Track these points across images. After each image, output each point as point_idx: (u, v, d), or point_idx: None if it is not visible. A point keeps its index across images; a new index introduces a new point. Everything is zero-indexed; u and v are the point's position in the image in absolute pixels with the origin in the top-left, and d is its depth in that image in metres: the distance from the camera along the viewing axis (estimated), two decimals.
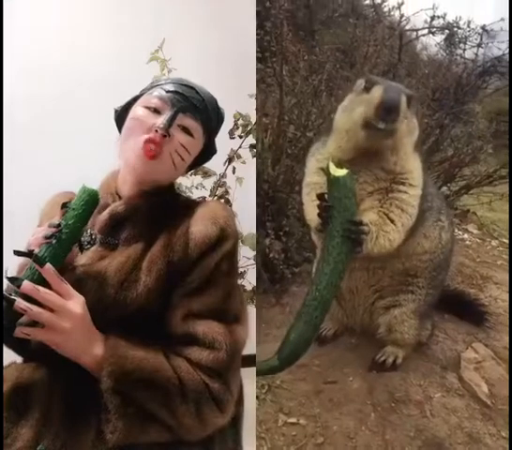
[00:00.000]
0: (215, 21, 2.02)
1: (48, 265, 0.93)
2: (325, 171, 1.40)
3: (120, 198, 1.12)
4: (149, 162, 1.05)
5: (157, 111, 1.08)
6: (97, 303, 0.99)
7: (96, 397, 0.94)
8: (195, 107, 1.09)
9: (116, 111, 1.16)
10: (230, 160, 1.99)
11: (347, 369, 1.73)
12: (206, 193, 2.00)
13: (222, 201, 1.99)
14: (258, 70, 2.10)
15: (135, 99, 1.14)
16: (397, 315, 1.66)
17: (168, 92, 1.09)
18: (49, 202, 1.22)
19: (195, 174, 1.94)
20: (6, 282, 0.96)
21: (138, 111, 1.09)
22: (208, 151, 1.20)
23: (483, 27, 2.57)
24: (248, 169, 2.03)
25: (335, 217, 1.36)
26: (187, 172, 1.24)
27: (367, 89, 1.39)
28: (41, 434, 0.95)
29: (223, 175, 1.99)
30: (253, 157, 2.00)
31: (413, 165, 1.48)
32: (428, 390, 1.66)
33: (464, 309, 1.92)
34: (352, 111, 1.42)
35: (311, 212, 1.47)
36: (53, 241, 0.96)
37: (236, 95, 1.89)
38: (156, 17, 2.07)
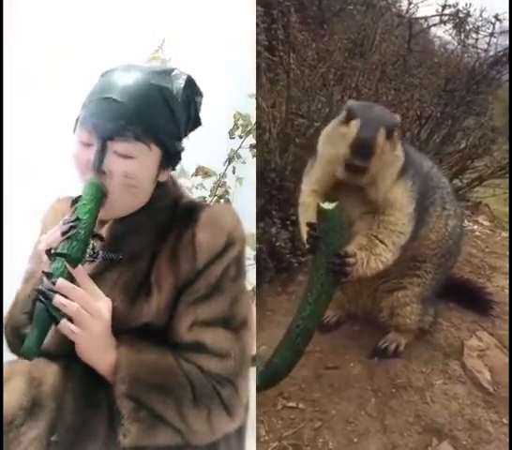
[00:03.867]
0: (215, 21, 2.00)
1: (79, 266, 0.95)
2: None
3: None
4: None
5: (89, 144, 1.01)
6: None
7: (108, 394, 0.95)
8: (121, 125, 0.99)
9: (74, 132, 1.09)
10: (230, 160, 1.99)
11: (348, 356, 1.72)
12: (206, 193, 2.00)
13: (222, 201, 1.99)
14: (264, 59, 2.10)
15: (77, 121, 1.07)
16: (400, 297, 1.65)
17: (91, 116, 1.01)
18: (49, 209, 1.20)
19: (196, 175, 1.95)
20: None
21: (75, 148, 1.03)
22: (174, 145, 1.08)
23: (496, 16, 2.54)
24: (248, 169, 2.03)
25: (321, 249, 1.39)
26: (171, 170, 1.14)
27: (347, 120, 1.39)
28: (55, 425, 0.96)
29: (223, 175, 1.99)
30: (253, 157, 2.01)
31: (395, 194, 1.48)
32: (429, 377, 1.65)
33: (470, 298, 1.90)
34: (331, 143, 1.44)
35: (304, 232, 1.49)
36: (75, 236, 0.96)
37: (236, 95, 1.89)
38: (156, 17, 2.06)
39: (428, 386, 1.62)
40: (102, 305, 0.95)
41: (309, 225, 1.43)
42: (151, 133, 1.01)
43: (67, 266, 0.93)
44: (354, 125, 1.35)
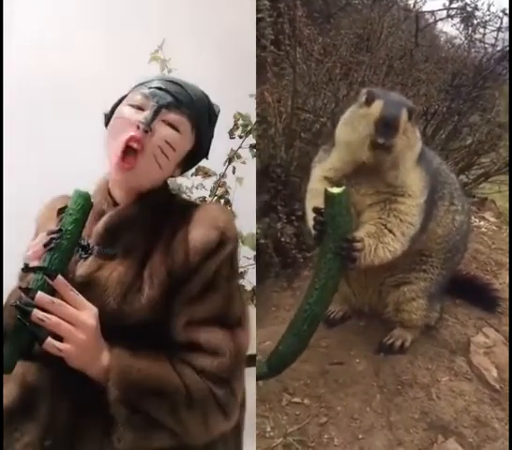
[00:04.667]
0: (215, 21, 2.01)
1: (59, 277, 0.92)
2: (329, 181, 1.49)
3: (114, 202, 1.08)
4: (130, 172, 1.01)
5: (140, 108, 1.03)
6: (98, 314, 0.97)
7: (102, 398, 0.93)
8: (180, 102, 1.05)
9: (106, 115, 1.12)
10: (230, 160, 1.99)
11: (354, 351, 1.71)
12: (206, 193, 2.00)
13: (222, 201, 1.99)
14: (270, 53, 2.09)
15: (121, 100, 1.10)
16: (406, 292, 1.64)
17: (150, 88, 1.06)
18: (45, 208, 1.19)
19: (196, 175, 1.95)
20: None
21: (122, 109, 1.05)
22: (199, 150, 1.14)
23: (503, 11, 2.52)
24: (248, 169, 2.03)
25: (328, 234, 1.39)
26: (180, 174, 1.17)
27: (368, 103, 1.41)
28: (49, 430, 0.95)
29: (223, 175, 1.99)
30: (253, 157, 2.01)
31: (413, 179, 1.49)
32: (435, 374, 1.64)
33: (477, 294, 1.89)
34: (352, 125, 1.45)
35: (310, 219, 1.49)
36: (58, 247, 0.94)
37: (236, 95, 1.88)
38: (156, 17, 2.06)
39: (433, 383, 1.61)
40: (86, 313, 0.93)
41: (316, 210, 1.42)
42: (196, 120, 1.08)
43: (47, 279, 0.91)
44: (377, 105, 1.37)
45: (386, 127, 1.35)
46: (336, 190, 1.34)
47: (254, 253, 2.00)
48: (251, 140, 2.02)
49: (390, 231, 1.48)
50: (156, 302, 0.98)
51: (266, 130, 2.21)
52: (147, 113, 1.02)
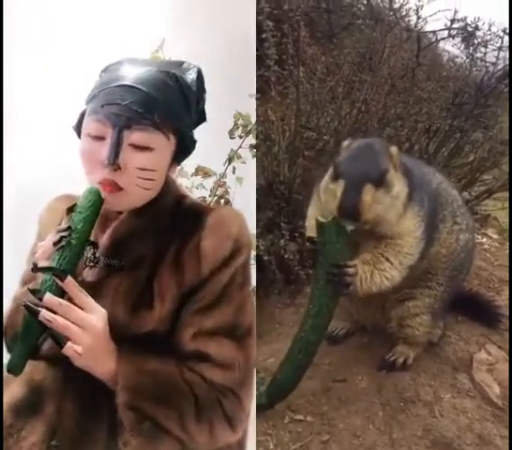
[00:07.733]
0: (215, 21, 2.00)
1: (69, 279, 0.91)
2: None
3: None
4: (113, 197, 0.97)
5: (100, 137, 0.95)
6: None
7: (109, 400, 0.94)
8: (139, 112, 0.94)
9: (74, 128, 1.05)
10: (230, 160, 1.99)
11: (356, 368, 1.71)
12: (206, 193, 2.00)
13: (222, 201, 2.00)
14: (274, 72, 2.12)
15: (83, 114, 1.01)
16: (410, 307, 1.64)
17: (103, 106, 0.95)
18: (47, 208, 1.17)
19: (195, 175, 1.96)
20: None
21: (83, 142, 0.98)
22: (186, 140, 1.04)
23: (504, 30, 2.55)
24: (248, 169, 2.03)
25: (320, 261, 1.42)
26: (177, 166, 1.10)
27: (334, 178, 1.40)
28: (55, 429, 0.95)
29: (223, 175, 1.99)
30: (253, 157, 2.02)
31: (404, 225, 1.48)
32: (438, 391, 1.64)
33: (479, 311, 1.89)
34: (325, 197, 1.45)
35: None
36: (67, 246, 0.93)
37: (236, 95, 1.89)
38: (156, 17, 2.07)
39: (436, 400, 1.61)
40: (95, 316, 0.92)
41: (309, 239, 1.49)
42: (169, 121, 0.97)
43: (56, 280, 0.91)
44: (340, 186, 1.36)
45: (347, 214, 1.34)
46: (324, 219, 1.37)
47: (254, 253, 2.00)
48: (251, 140, 2.02)
49: (387, 259, 1.48)
50: (166, 316, 0.98)
51: (270, 148, 2.23)
52: (109, 147, 0.93)
